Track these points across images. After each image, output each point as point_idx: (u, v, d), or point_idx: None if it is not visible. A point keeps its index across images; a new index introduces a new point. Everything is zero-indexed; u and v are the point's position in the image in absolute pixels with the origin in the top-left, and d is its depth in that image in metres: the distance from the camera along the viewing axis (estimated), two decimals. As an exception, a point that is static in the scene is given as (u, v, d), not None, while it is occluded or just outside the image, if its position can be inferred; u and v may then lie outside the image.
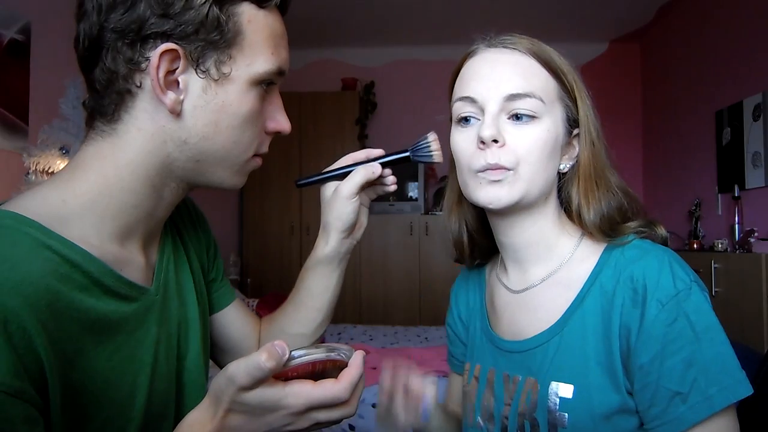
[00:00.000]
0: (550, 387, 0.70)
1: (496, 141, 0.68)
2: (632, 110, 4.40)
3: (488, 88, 0.70)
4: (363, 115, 4.35)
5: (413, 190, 4.26)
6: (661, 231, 0.74)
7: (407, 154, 0.79)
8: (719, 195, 3.20)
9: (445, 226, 0.86)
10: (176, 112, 0.60)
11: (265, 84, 0.64)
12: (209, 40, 0.58)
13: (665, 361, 0.63)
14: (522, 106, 0.69)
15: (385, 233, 4.20)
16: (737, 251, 2.71)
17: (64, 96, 2.27)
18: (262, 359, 0.49)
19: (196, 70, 0.59)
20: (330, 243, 0.81)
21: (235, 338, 0.87)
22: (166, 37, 0.57)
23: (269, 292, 3.73)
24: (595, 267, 0.72)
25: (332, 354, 0.55)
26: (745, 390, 0.62)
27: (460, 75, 0.76)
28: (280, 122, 0.69)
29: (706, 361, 0.62)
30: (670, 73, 3.92)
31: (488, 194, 0.69)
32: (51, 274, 0.52)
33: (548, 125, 0.70)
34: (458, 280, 0.96)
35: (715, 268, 2.62)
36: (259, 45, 0.62)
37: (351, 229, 0.81)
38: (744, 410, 1.10)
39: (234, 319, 0.87)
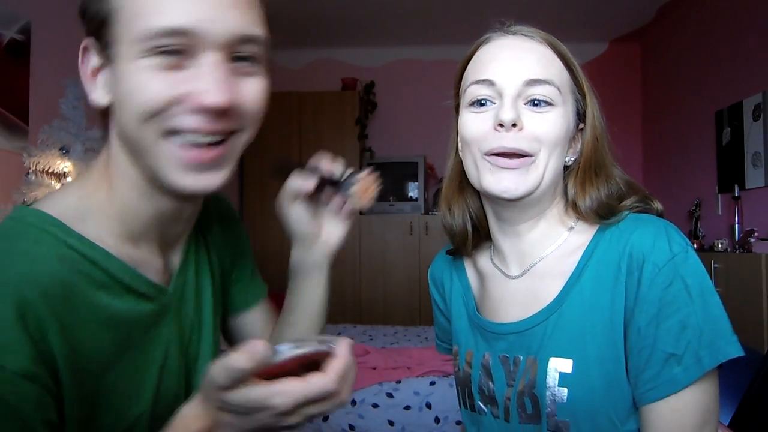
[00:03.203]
0: (549, 363, 0.70)
1: (514, 125, 0.68)
2: (632, 110, 4.40)
3: (507, 72, 0.70)
4: (363, 115, 4.34)
5: (413, 190, 4.25)
6: (657, 205, 0.75)
7: (337, 182, 0.73)
8: (719, 195, 3.20)
9: (444, 216, 0.84)
10: (102, 107, 0.59)
11: (165, 51, 0.53)
12: (96, 25, 0.56)
13: (661, 323, 0.64)
14: (540, 92, 0.69)
15: (385, 233, 4.20)
16: (737, 251, 2.71)
17: (64, 96, 2.27)
18: (239, 360, 0.48)
19: (106, 60, 0.57)
20: (293, 252, 0.79)
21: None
22: (85, 39, 0.58)
23: (269, 293, 3.72)
24: (589, 243, 0.73)
25: (319, 347, 0.54)
26: (735, 350, 0.63)
27: (474, 60, 0.76)
28: (201, 93, 0.54)
29: (700, 324, 0.63)
30: (670, 73, 3.92)
31: (502, 183, 0.69)
32: (70, 271, 0.54)
33: (563, 113, 0.71)
34: (437, 265, 0.95)
35: (715, 268, 2.63)
36: (136, 13, 0.53)
37: (309, 237, 0.77)
38: (745, 410, 1.10)
39: (257, 320, 0.87)
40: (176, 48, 0.53)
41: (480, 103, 0.72)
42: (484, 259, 0.86)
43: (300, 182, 0.72)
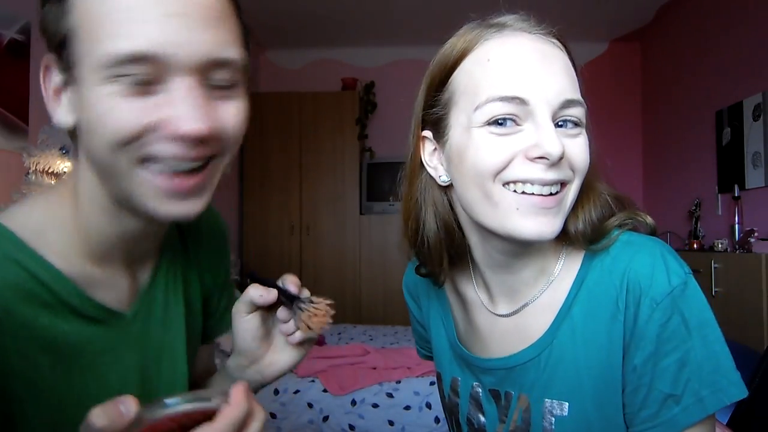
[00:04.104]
0: (544, 405, 0.66)
1: (561, 157, 0.58)
2: (632, 110, 4.40)
3: (543, 89, 0.58)
4: (363, 115, 4.34)
5: (413, 190, 4.25)
6: (647, 219, 0.67)
7: (293, 300, 0.66)
8: (719, 195, 3.20)
9: (419, 249, 0.74)
10: (69, 127, 0.56)
11: (132, 77, 0.49)
12: (57, 45, 0.53)
13: (659, 362, 0.60)
14: (574, 113, 0.60)
15: (385, 233, 4.20)
16: (737, 251, 2.71)
17: (64, 96, 2.27)
18: (93, 415, 0.42)
19: (69, 80, 0.53)
20: (232, 358, 0.72)
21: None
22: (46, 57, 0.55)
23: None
24: (578, 273, 0.66)
25: (197, 404, 0.46)
26: (739, 392, 0.59)
27: (478, 59, 0.62)
28: (173, 121, 0.50)
29: (700, 361, 0.59)
30: (670, 73, 3.92)
31: (539, 227, 0.59)
32: (10, 289, 0.52)
33: (585, 131, 0.63)
34: (411, 276, 0.86)
35: (715, 268, 2.62)
36: (95, 33, 0.49)
37: (251, 354, 0.68)
38: (743, 409, 1.10)
39: (198, 361, 0.82)
40: (142, 75, 0.49)
41: (498, 122, 0.59)
42: (466, 285, 0.77)
43: (258, 292, 0.64)
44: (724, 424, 1.09)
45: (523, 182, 0.59)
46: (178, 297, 0.71)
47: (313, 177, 4.24)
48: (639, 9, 3.87)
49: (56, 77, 0.54)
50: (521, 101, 0.58)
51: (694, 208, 3.35)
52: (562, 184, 0.61)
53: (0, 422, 0.53)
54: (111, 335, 0.61)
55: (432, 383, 2.24)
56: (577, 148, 0.61)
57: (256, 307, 0.65)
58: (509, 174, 0.59)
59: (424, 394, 2.21)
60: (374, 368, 2.40)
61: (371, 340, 3.11)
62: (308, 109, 4.25)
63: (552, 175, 0.59)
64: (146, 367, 0.66)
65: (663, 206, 3.87)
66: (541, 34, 0.62)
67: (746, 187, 2.94)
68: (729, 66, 3.16)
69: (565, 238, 0.66)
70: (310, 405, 2.19)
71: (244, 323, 0.66)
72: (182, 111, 0.50)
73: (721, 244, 2.85)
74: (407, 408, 2.19)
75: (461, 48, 0.64)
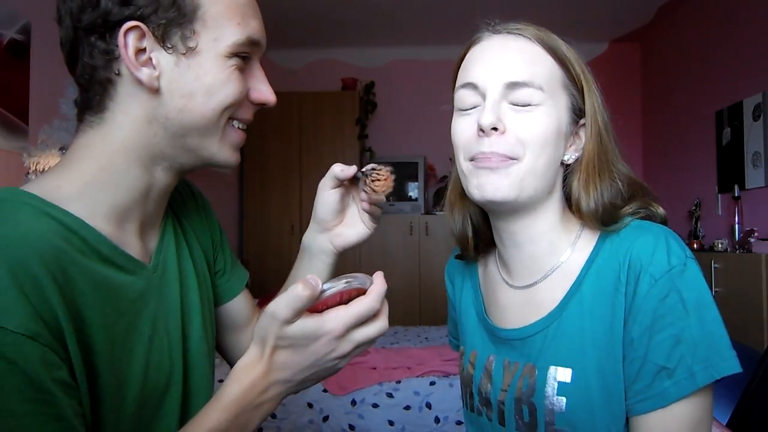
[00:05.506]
0: (549, 371, 0.70)
1: (495, 129, 0.66)
2: (632, 110, 4.40)
3: (489, 74, 0.69)
4: (363, 115, 4.35)
5: (413, 190, 4.26)
6: (659, 210, 0.73)
7: (362, 169, 0.81)
8: (719, 195, 3.20)
9: (448, 222, 0.84)
10: (154, 89, 0.62)
11: (241, 56, 0.65)
12: (168, 17, 0.61)
13: (654, 336, 0.63)
14: (522, 93, 0.68)
15: (385, 233, 4.20)
16: (737, 251, 2.71)
17: (64, 96, 2.27)
18: (299, 289, 0.54)
19: (163, 46, 0.62)
20: (307, 232, 0.86)
21: (239, 326, 0.90)
22: (129, 21, 0.61)
23: (269, 293, 3.72)
24: (591, 253, 0.71)
25: (355, 282, 0.61)
26: (731, 367, 0.61)
27: (463, 63, 0.74)
28: (264, 92, 0.69)
29: (696, 340, 0.62)
30: (670, 73, 3.92)
31: (482, 185, 0.68)
32: (54, 234, 0.55)
33: (549, 110, 0.68)
34: (453, 261, 0.95)
35: (715, 268, 2.63)
36: (222, 17, 0.63)
37: (325, 223, 0.83)
38: (743, 409, 1.10)
39: (243, 304, 0.90)
40: (249, 54, 0.66)
41: (466, 107, 0.71)
42: (491, 260, 0.85)
43: (340, 167, 0.79)
44: (724, 424, 1.09)
45: (477, 157, 0.68)
46: (188, 260, 0.78)
47: (313, 177, 4.23)
48: (639, 9, 3.87)
49: (141, 42, 0.61)
50: (473, 86, 0.70)
51: (694, 208, 3.36)
52: (512, 158, 0.67)
53: (88, 369, 0.55)
54: (139, 285, 0.65)
55: (432, 383, 2.24)
56: (525, 124, 0.67)
57: (339, 183, 0.80)
58: (467, 150, 0.70)
59: (424, 394, 2.21)
60: (374, 368, 2.40)
61: (371, 340, 3.11)
62: (308, 109, 4.25)
63: (494, 147, 0.67)
64: (170, 319, 0.70)
65: (663, 206, 3.85)
66: (508, 32, 0.72)
67: (746, 187, 2.95)
68: (729, 66, 3.16)
69: (579, 217, 0.73)
70: (310, 405, 2.19)
71: (327, 196, 0.81)
72: (266, 86, 0.70)
73: (721, 244, 2.85)
74: (407, 408, 2.19)
75: (461, 55, 0.76)
